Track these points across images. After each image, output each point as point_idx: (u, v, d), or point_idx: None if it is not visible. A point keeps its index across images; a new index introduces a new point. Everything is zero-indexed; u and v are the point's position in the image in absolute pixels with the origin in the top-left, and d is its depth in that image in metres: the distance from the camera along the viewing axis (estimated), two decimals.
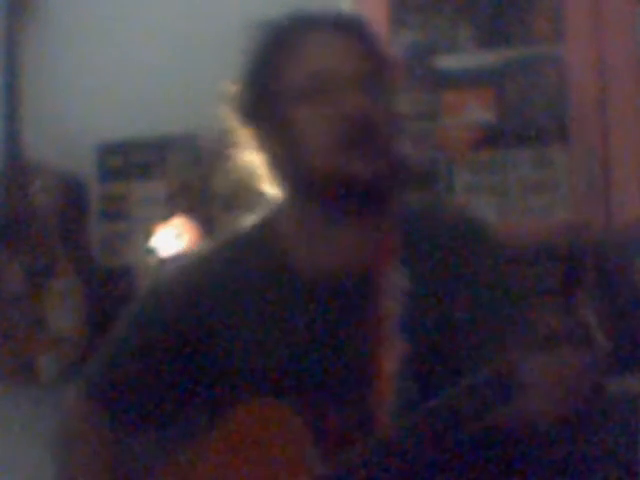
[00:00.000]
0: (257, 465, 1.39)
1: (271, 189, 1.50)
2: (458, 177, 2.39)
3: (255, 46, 1.47)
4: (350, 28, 1.47)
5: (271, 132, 1.45)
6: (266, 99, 1.45)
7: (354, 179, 1.39)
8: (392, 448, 1.32)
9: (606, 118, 2.26)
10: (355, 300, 1.44)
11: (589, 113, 2.28)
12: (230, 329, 1.46)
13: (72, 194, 2.78)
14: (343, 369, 1.42)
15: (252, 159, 1.49)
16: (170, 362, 1.50)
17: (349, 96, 1.40)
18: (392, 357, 1.39)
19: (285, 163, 1.45)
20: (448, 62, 2.42)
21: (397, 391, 1.38)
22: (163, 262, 2.52)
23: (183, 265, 1.58)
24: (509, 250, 1.53)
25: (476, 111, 2.38)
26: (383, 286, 1.43)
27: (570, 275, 2.25)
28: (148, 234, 2.58)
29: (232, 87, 1.49)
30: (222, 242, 1.57)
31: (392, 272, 1.43)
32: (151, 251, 2.58)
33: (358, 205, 1.42)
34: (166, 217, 2.59)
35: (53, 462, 1.56)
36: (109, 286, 2.69)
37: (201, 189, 2.65)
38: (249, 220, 1.55)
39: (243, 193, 1.53)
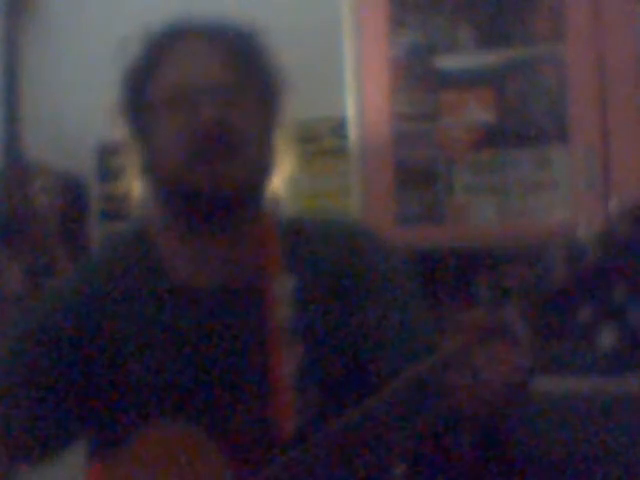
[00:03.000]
0: None
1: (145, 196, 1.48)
2: (458, 177, 2.39)
3: (132, 55, 1.46)
4: (225, 37, 1.44)
5: (137, 141, 1.45)
6: (135, 108, 1.44)
7: (196, 193, 1.36)
8: (304, 462, 1.29)
9: (606, 118, 2.26)
10: (243, 309, 1.42)
11: (589, 113, 2.28)
12: (118, 347, 1.42)
13: (72, 194, 2.78)
14: (240, 380, 1.40)
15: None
16: (65, 376, 1.43)
17: (202, 107, 1.37)
18: (289, 362, 1.38)
19: (150, 176, 1.44)
20: (448, 62, 2.42)
21: (298, 396, 1.37)
22: None
23: (63, 282, 1.55)
24: (403, 253, 1.51)
25: (476, 111, 2.38)
26: (271, 293, 1.41)
27: (570, 275, 2.25)
28: None
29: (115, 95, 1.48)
30: (102, 255, 1.54)
31: (279, 279, 1.41)
32: None
33: (207, 218, 1.39)
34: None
35: None
36: None
37: None
38: (126, 227, 1.53)
39: None
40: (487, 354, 1.20)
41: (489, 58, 2.38)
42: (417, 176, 2.42)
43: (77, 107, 2.86)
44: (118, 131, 1.46)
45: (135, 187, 1.48)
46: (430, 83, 2.42)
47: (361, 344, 1.40)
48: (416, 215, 2.41)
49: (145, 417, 1.38)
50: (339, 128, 2.57)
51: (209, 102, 1.37)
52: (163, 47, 1.44)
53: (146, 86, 1.42)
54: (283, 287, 1.41)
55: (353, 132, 2.46)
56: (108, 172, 2.84)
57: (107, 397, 1.42)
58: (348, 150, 2.50)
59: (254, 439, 1.36)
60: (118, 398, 1.42)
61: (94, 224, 2.83)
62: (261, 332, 1.40)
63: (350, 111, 2.46)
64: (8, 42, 2.81)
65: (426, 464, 1.38)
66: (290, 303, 1.40)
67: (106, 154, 2.84)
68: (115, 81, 1.47)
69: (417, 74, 2.43)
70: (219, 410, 1.39)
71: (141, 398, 1.40)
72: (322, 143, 2.63)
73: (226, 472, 1.32)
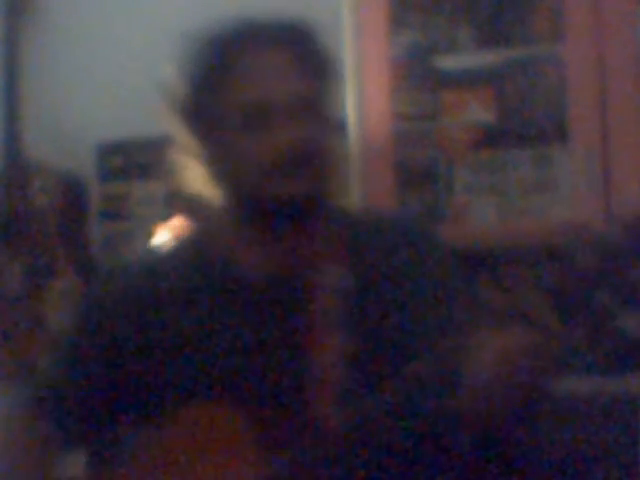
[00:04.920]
0: (202, 468, 1.38)
1: (212, 196, 1.50)
2: (458, 177, 2.39)
3: (194, 61, 1.45)
4: (292, 40, 1.44)
5: (211, 151, 1.45)
6: (206, 120, 1.44)
7: (275, 206, 1.40)
8: (337, 442, 1.33)
9: (606, 118, 2.27)
10: (295, 301, 1.44)
11: (589, 113, 2.28)
12: (172, 334, 1.45)
13: (72, 194, 2.79)
14: (286, 368, 1.42)
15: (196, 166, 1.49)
16: (110, 369, 1.47)
17: (285, 126, 1.39)
18: (335, 354, 1.40)
19: (222, 182, 1.46)
20: (448, 62, 2.42)
21: (341, 389, 1.39)
22: None
23: (124, 272, 1.57)
24: (452, 249, 1.53)
25: (476, 111, 2.38)
26: (321, 285, 1.43)
27: (570, 275, 2.25)
28: (148, 234, 2.58)
29: (176, 97, 1.47)
30: (164, 250, 1.58)
31: (332, 272, 1.44)
32: None
33: (281, 226, 1.43)
34: (166, 217, 2.59)
35: None
36: None
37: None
38: (190, 228, 1.55)
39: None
40: (504, 342, 1.21)
41: (489, 58, 2.38)
42: (417, 176, 2.42)
43: (77, 107, 2.86)
44: (176, 131, 1.47)
45: (192, 185, 1.49)
46: (430, 83, 2.42)
47: (407, 340, 1.41)
48: None
49: (190, 401, 1.41)
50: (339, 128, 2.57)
51: (289, 121, 1.39)
52: (233, 56, 1.42)
53: (218, 97, 1.42)
54: (334, 279, 1.43)
55: (353, 132, 2.46)
56: (108, 172, 2.85)
57: (157, 386, 1.45)
58: (348, 150, 2.50)
59: (294, 429, 1.37)
60: (166, 382, 1.44)
61: (94, 224, 2.83)
62: (308, 322, 1.42)
63: (350, 111, 2.46)
64: (8, 42, 2.82)
65: (426, 464, 1.38)
66: (340, 295, 1.42)
67: (106, 154, 2.84)
68: (174, 82, 1.46)
69: (417, 74, 2.43)
70: (262, 398, 1.40)
71: (189, 382, 1.42)
72: None
73: (263, 461, 1.34)
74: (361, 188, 2.45)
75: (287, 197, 1.39)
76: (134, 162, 2.81)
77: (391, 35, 2.44)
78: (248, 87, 1.41)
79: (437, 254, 1.51)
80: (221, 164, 1.44)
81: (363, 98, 2.45)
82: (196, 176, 1.48)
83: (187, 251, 1.52)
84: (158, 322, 1.46)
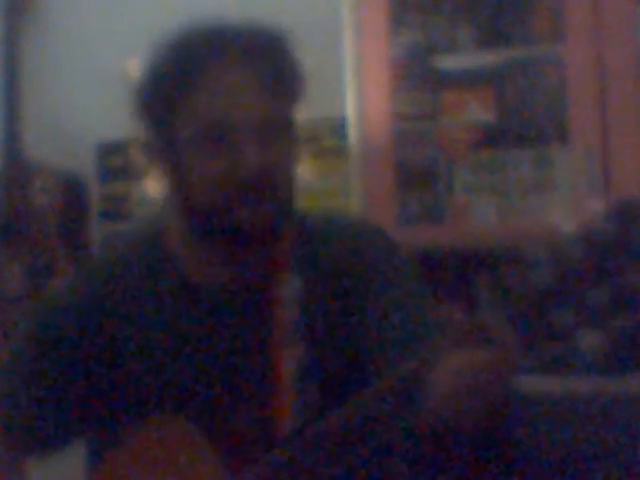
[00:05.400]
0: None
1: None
2: (458, 177, 2.39)
3: (159, 66, 1.38)
4: (262, 58, 1.36)
5: (164, 167, 1.40)
6: (160, 136, 1.39)
7: (234, 230, 1.35)
8: (298, 457, 1.28)
9: (606, 118, 2.27)
10: (250, 309, 1.41)
11: (589, 113, 2.28)
12: (119, 345, 1.41)
13: (72, 194, 2.79)
14: (240, 378, 1.40)
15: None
16: (66, 375, 1.43)
17: (244, 148, 1.33)
18: (291, 363, 1.38)
19: (175, 197, 1.41)
20: (448, 62, 2.42)
21: (298, 396, 1.37)
22: None
23: (77, 276, 1.55)
24: (409, 255, 1.50)
25: (476, 111, 2.38)
26: (275, 293, 1.40)
27: (570, 275, 2.25)
28: None
29: (134, 106, 1.43)
30: (107, 253, 1.55)
31: (286, 281, 1.41)
32: None
33: (238, 248, 1.38)
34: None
35: None
36: None
37: None
38: (139, 227, 1.51)
39: None
40: (463, 360, 1.16)
41: (489, 58, 2.38)
42: (417, 176, 2.42)
43: (77, 107, 2.86)
44: (139, 133, 1.43)
45: (150, 189, 1.46)
46: (430, 83, 2.42)
47: (362, 345, 1.39)
48: (416, 215, 2.41)
49: (145, 416, 1.38)
50: (339, 128, 2.57)
51: (251, 144, 1.33)
52: (197, 67, 1.34)
53: (179, 110, 1.35)
54: (287, 287, 1.41)
55: (353, 132, 2.46)
56: (108, 172, 2.85)
57: (108, 395, 1.42)
58: (348, 150, 2.50)
59: (252, 438, 1.36)
60: (119, 396, 1.42)
61: (94, 224, 2.83)
62: (264, 331, 1.40)
63: (350, 111, 2.46)
64: (8, 42, 2.82)
65: (426, 464, 1.38)
66: (294, 303, 1.40)
67: (106, 154, 2.84)
68: (135, 89, 1.41)
69: (417, 74, 2.43)
70: (218, 408, 1.38)
71: (142, 396, 1.40)
72: (322, 143, 2.63)
73: (223, 471, 1.32)
74: (361, 188, 2.45)
75: (243, 224, 1.34)
76: (134, 162, 2.81)
77: (391, 35, 2.44)
78: (211, 103, 1.34)
79: (395, 260, 1.46)
80: (176, 176, 1.38)
81: (363, 98, 2.45)
82: (156, 181, 1.45)
83: (129, 257, 1.47)
84: (107, 335, 1.41)
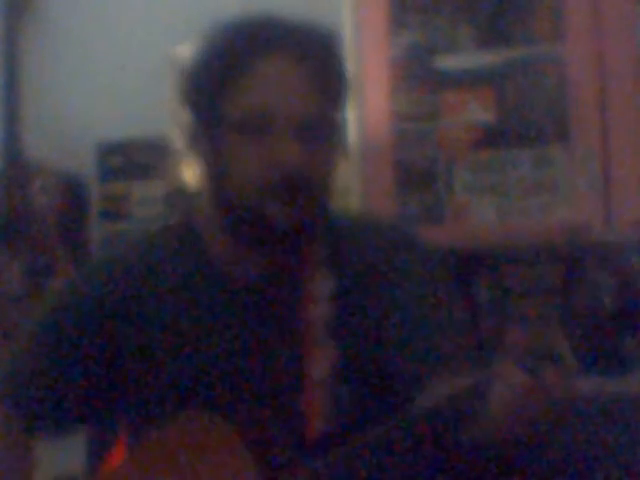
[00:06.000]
0: (196, 476, 1.33)
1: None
2: (458, 177, 2.39)
3: (210, 51, 1.38)
4: (311, 51, 1.36)
5: (204, 153, 1.40)
6: (204, 120, 1.38)
7: (267, 227, 1.34)
8: (326, 452, 1.28)
9: (606, 118, 2.27)
10: (282, 307, 1.41)
11: (589, 113, 2.28)
12: (152, 334, 1.41)
13: (72, 194, 2.79)
14: (273, 375, 1.39)
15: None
16: (87, 360, 1.43)
17: (284, 144, 1.32)
18: (322, 362, 1.37)
19: (211, 186, 1.40)
20: (448, 62, 2.42)
21: (329, 396, 1.36)
22: None
23: (102, 261, 1.53)
24: (438, 256, 1.51)
25: (476, 111, 2.38)
26: (309, 293, 1.40)
27: (570, 275, 2.25)
28: None
29: (179, 92, 1.42)
30: (144, 242, 1.51)
31: (318, 280, 1.40)
32: None
33: (270, 245, 1.38)
34: (166, 217, 2.59)
35: None
36: None
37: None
38: (173, 219, 1.50)
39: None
40: (523, 378, 1.18)
41: (489, 58, 2.38)
42: (417, 176, 2.42)
43: (77, 107, 2.86)
44: (177, 134, 1.42)
45: (188, 182, 1.45)
46: (430, 83, 2.42)
47: (388, 346, 1.39)
48: (416, 215, 2.41)
49: (176, 406, 1.38)
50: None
51: (293, 140, 1.32)
52: (251, 55, 1.34)
53: (223, 101, 1.35)
54: (319, 284, 1.40)
55: (353, 132, 2.46)
56: (108, 172, 2.84)
57: (139, 382, 1.42)
58: (348, 150, 2.50)
59: (281, 436, 1.34)
60: (150, 384, 1.41)
61: (94, 224, 2.83)
62: (295, 329, 1.40)
63: (350, 111, 2.46)
64: (8, 42, 2.81)
65: (426, 464, 1.38)
66: (327, 302, 1.40)
67: (106, 154, 2.84)
68: (187, 66, 1.39)
69: (417, 74, 2.43)
70: (247, 405, 1.38)
71: (172, 386, 1.39)
72: None
73: (251, 467, 1.31)
74: (361, 188, 2.45)
75: (276, 222, 1.33)
76: (134, 162, 2.81)
77: (391, 35, 2.44)
78: (258, 92, 1.34)
79: (423, 261, 1.47)
80: (215, 165, 1.38)
81: (363, 98, 2.45)
82: (194, 174, 1.44)
83: (173, 246, 1.46)
84: (147, 320, 1.41)
